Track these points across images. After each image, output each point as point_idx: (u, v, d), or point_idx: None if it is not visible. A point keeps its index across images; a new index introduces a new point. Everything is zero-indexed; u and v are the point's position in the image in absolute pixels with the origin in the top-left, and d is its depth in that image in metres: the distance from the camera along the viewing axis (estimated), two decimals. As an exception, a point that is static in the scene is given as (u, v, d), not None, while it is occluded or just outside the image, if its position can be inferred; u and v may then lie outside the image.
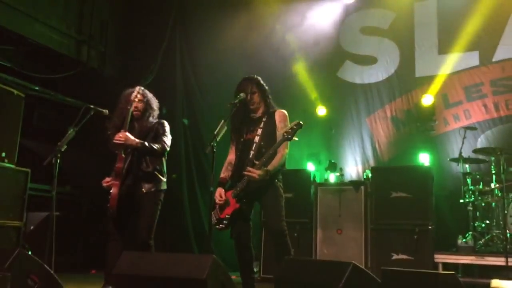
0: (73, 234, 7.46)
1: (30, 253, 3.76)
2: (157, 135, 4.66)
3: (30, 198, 6.13)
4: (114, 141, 4.41)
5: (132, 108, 4.59)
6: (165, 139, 4.67)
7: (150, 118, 4.71)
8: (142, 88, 4.78)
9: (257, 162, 4.17)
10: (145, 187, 4.56)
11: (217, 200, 4.35)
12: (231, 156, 4.57)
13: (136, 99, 4.62)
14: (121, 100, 4.71)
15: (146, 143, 4.50)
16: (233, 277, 3.49)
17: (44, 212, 6.57)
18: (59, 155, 4.24)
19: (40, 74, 7.52)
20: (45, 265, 3.69)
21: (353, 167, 8.00)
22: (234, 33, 8.55)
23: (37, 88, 7.49)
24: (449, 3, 7.70)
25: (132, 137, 4.45)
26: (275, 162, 4.25)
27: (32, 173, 6.15)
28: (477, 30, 7.39)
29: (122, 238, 4.52)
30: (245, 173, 4.15)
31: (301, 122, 4.13)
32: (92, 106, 4.52)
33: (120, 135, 4.41)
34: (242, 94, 4.37)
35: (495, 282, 3.84)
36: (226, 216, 4.31)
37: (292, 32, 8.44)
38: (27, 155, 6.69)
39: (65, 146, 4.32)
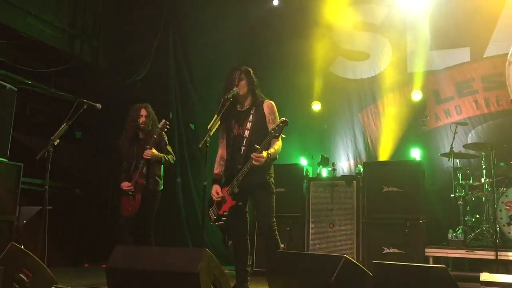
0: (66, 228, 7.44)
1: (22, 247, 3.76)
2: (160, 146, 5.42)
3: (22, 192, 6.11)
4: (145, 156, 5.21)
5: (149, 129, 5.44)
6: (170, 150, 5.54)
7: (153, 130, 5.44)
8: (148, 105, 5.53)
9: (258, 146, 4.12)
10: (151, 188, 5.37)
11: (214, 198, 4.38)
12: (222, 151, 4.57)
13: (144, 124, 5.42)
14: (129, 116, 5.48)
15: (165, 156, 5.38)
16: (226, 270, 3.51)
17: (37, 206, 6.55)
18: (52, 149, 4.28)
19: (33, 68, 7.49)
20: (38, 259, 3.70)
21: (345, 161, 8.05)
22: (228, 25, 8.53)
23: (30, 82, 7.46)
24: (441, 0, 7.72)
25: (156, 152, 5.29)
26: (272, 150, 4.22)
27: (25, 167, 6.13)
28: (468, 27, 7.44)
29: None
30: (253, 155, 4.09)
31: (286, 120, 4.08)
32: (85, 100, 4.60)
33: (148, 152, 5.21)
34: (235, 89, 4.36)
35: (485, 275, 3.87)
36: (224, 212, 4.34)
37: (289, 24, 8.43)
38: (19, 149, 6.66)
39: (58, 140, 4.34)
